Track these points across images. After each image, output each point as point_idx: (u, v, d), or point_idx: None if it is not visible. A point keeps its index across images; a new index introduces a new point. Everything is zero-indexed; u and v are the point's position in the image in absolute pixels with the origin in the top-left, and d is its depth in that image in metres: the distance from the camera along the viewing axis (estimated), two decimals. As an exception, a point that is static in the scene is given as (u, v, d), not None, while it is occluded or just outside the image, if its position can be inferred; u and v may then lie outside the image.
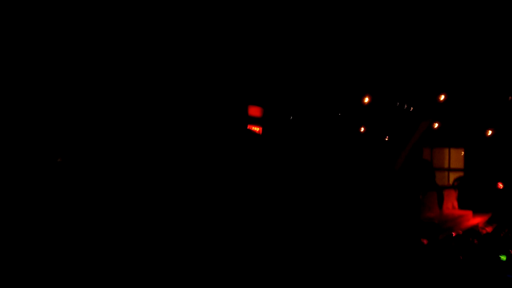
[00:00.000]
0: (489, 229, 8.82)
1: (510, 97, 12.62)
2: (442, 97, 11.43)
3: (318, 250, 5.72)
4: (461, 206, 11.22)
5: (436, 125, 12.01)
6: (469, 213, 10.67)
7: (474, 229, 8.83)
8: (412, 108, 12.72)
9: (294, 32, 8.31)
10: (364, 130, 11.98)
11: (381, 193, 8.46)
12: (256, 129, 8.86)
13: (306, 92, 9.78)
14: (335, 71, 9.92)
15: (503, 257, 6.23)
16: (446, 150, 14.01)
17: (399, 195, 8.36)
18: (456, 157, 14.01)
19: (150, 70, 5.57)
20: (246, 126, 8.29)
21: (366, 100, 10.78)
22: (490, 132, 11.99)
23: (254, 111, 8.81)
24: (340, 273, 5.27)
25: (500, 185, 11.25)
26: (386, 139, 12.56)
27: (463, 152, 13.68)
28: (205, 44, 6.19)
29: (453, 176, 13.51)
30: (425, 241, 7.33)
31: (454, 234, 8.22)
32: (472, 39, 9.83)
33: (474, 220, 10.18)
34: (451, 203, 11.09)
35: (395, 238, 7.10)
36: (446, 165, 14.04)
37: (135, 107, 5.41)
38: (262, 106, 8.94)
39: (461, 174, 13.39)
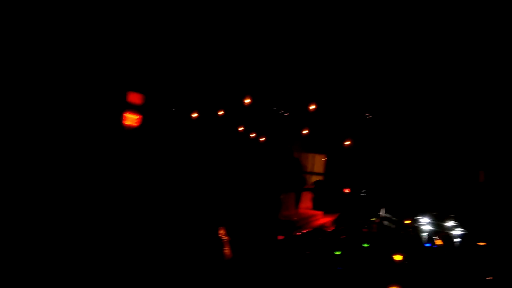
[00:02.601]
0: (332, 228, 10.20)
1: (366, 114, 14.63)
2: (312, 107, 12.62)
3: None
4: (315, 207, 12.66)
5: (305, 131, 13.28)
6: (320, 213, 12.13)
7: (321, 228, 10.09)
8: (287, 113, 13.84)
9: (179, 22, 8.37)
10: (243, 129, 12.64)
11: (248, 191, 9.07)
12: (135, 117, 8.65)
13: (190, 84, 9.90)
14: (220, 69, 10.24)
15: (338, 252, 7.36)
16: (311, 156, 15.40)
17: (261, 196, 9.05)
18: (319, 162, 15.53)
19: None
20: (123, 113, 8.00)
21: (247, 101, 11.33)
22: (347, 143, 13.64)
23: (134, 97, 8.56)
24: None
25: (346, 190, 13.02)
26: (263, 139, 13.46)
27: (324, 158, 15.30)
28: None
29: (315, 179, 15.01)
30: (281, 237, 8.19)
31: (305, 231, 9.32)
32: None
33: (324, 219, 11.57)
34: (306, 204, 12.44)
35: (256, 234, 7.71)
36: (310, 169, 15.38)
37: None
38: (143, 93, 8.71)
39: (321, 177, 14.97)
